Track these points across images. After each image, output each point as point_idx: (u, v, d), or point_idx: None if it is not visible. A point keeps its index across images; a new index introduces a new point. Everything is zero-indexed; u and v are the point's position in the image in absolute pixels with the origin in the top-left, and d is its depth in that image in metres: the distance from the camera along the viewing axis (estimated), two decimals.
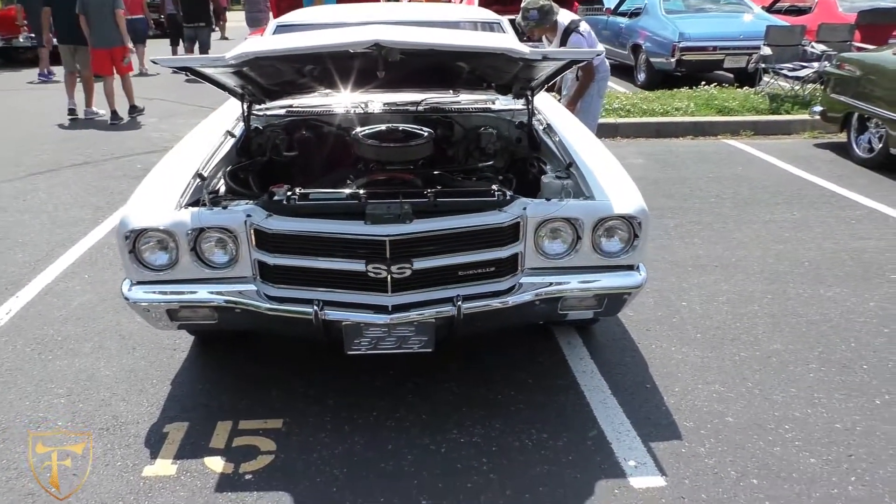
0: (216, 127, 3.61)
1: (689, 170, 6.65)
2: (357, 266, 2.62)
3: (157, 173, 3.03)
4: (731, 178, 6.33)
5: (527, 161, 3.54)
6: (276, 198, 2.78)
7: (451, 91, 3.84)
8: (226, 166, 3.27)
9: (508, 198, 2.75)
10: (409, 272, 2.62)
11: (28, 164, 6.97)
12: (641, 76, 11.12)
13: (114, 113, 8.99)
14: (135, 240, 2.65)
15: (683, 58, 10.18)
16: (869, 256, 4.51)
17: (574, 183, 2.97)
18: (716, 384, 3.11)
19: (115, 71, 8.98)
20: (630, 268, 2.82)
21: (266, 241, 2.66)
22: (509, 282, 2.76)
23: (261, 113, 3.77)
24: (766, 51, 9.13)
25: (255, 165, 3.42)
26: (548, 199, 2.76)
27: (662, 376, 3.17)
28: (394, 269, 2.60)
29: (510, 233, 2.70)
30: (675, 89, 9.36)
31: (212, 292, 2.70)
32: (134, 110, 9.35)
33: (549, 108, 3.92)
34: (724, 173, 6.51)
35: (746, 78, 10.23)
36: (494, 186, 2.86)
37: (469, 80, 3.56)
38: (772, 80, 9.22)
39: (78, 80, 9.15)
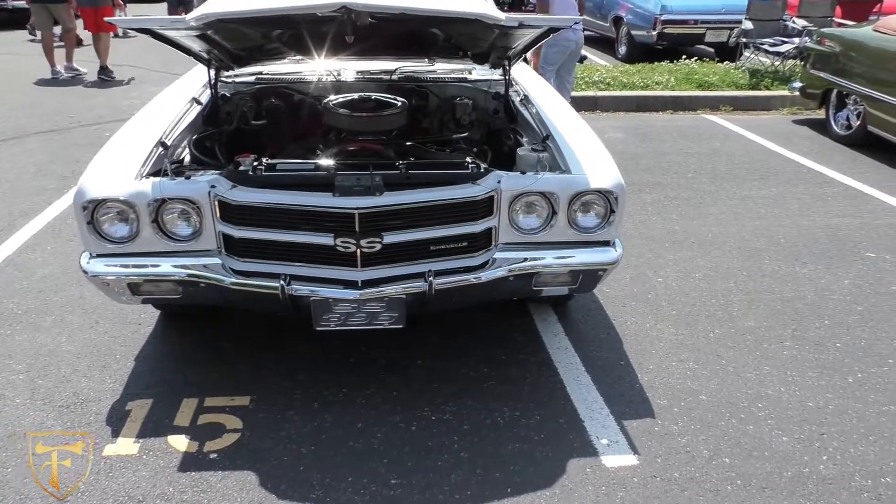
0: (182, 94, 3.47)
1: (667, 144, 6.61)
2: (325, 240, 2.54)
3: (118, 141, 2.91)
4: (708, 154, 6.30)
5: (503, 133, 3.46)
6: (241, 168, 2.68)
7: (426, 60, 3.73)
8: (191, 135, 3.15)
9: (482, 170, 2.68)
10: (379, 246, 2.54)
11: None
12: (622, 49, 11.01)
13: (104, 68, 9.08)
14: (93, 210, 2.55)
15: (665, 31, 10.08)
16: (844, 234, 4.50)
17: (550, 156, 2.90)
18: (690, 361, 3.09)
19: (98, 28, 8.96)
20: (606, 243, 2.76)
21: (231, 213, 2.56)
22: (482, 257, 2.70)
23: (229, 80, 3.64)
24: (748, 25, 9.06)
25: (222, 134, 3.30)
26: (523, 173, 2.69)
27: (637, 353, 3.14)
28: (363, 243, 2.52)
29: (484, 207, 2.63)
30: (656, 63, 9.28)
31: (175, 266, 2.61)
32: (104, 72, 9.12)
33: (527, 79, 3.83)
34: (702, 148, 6.48)
35: (727, 53, 10.19)
36: (468, 159, 2.78)
37: (444, 48, 3.45)
38: (752, 56, 9.18)
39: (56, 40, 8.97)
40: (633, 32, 10.62)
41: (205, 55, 3.19)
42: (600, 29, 11.70)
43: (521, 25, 2.65)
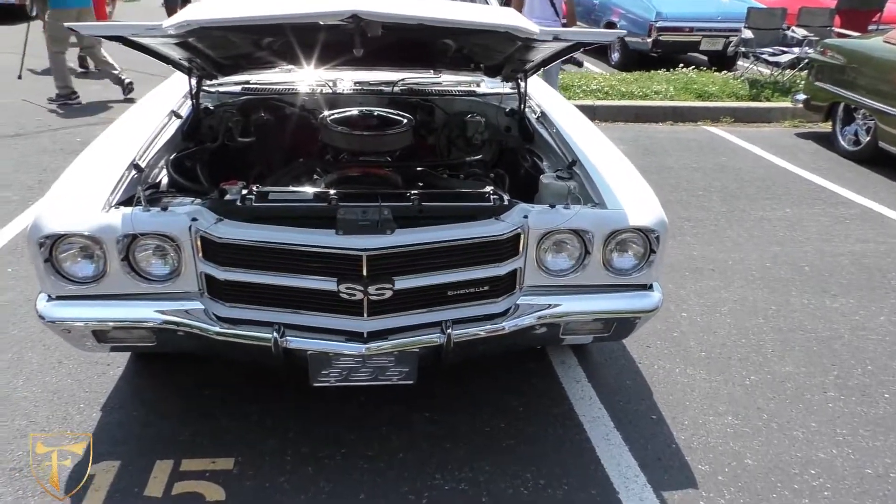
0: (159, 105, 3.08)
1: (671, 158, 6.32)
2: (327, 285, 2.18)
3: (84, 162, 2.52)
4: (715, 169, 6.02)
5: (517, 154, 3.12)
6: (228, 197, 2.31)
7: (431, 70, 3.38)
8: (169, 153, 2.78)
9: (507, 203, 2.34)
10: (389, 293, 2.18)
11: None
12: (615, 56, 10.73)
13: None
14: (51, 246, 2.16)
15: (660, 38, 9.82)
16: (870, 262, 4.23)
17: (579, 185, 2.56)
18: (728, 415, 2.77)
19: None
20: (644, 287, 2.43)
21: (215, 251, 2.19)
22: (506, 302, 2.36)
23: (212, 90, 3.27)
24: (747, 34, 8.82)
25: (205, 153, 2.92)
26: (551, 206, 2.35)
27: (669, 405, 2.82)
28: (371, 289, 2.16)
29: (509, 246, 2.29)
30: (653, 71, 9.01)
31: (148, 311, 2.23)
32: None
33: (542, 93, 3.49)
34: (708, 163, 6.20)
35: (721, 61, 9.96)
36: (489, 188, 2.44)
37: (454, 59, 3.10)
38: (750, 65, 8.94)
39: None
40: (627, 39, 10.31)
41: (185, 63, 2.82)
42: None
43: (556, 39, 2.31)
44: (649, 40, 9.82)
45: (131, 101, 8.57)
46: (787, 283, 3.91)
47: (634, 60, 10.12)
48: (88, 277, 2.22)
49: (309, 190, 2.42)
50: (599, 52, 11.21)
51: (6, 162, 5.58)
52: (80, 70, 8.82)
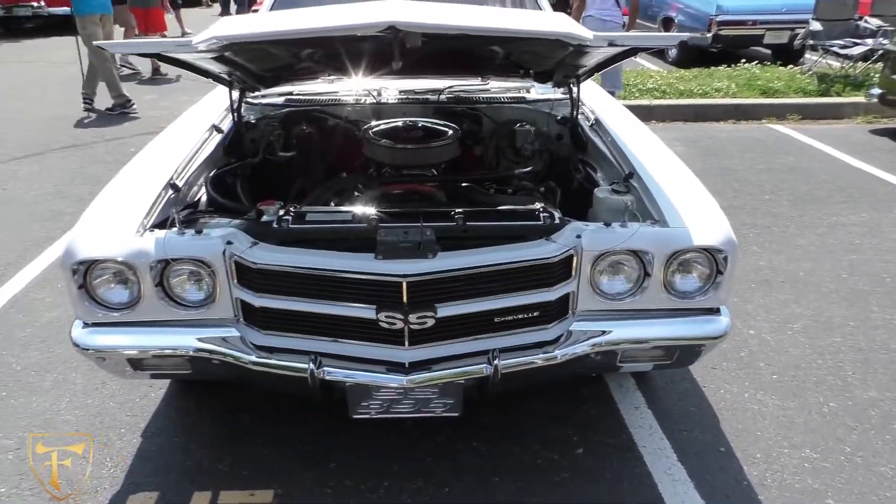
0: (201, 120, 3.02)
1: (734, 159, 6.00)
2: (365, 313, 2.05)
3: (120, 182, 2.46)
4: (783, 170, 5.68)
5: (570, 164, 2.94)
6: (264, 219, 2.21)
7: (478, 78, 3.23)
8: (209, 170, 2.70)
9: (558, 221, 2.17)
10: (431, 322, 2.04)
11: (11, 145, 6.42)
12: (673, 52, 10.36)
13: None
14: (85, 272, 2.09)
15: (720, 33, 9.44)
16: None
17: (636, 199, 2.37)
18: (805, 447, 2.53)
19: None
20: (710, 311, 2.23)
21: (250, 277, 2.09)
22: (557, 329, 2.19)
23: (255, 102, 3.19)
24: (816, 26, 8.37)
25: (245, 168, 2.84)
26: (607, 224, 2.16)
27: (738, 435, 2.60)
28: (412, 318, 2.02)
29: (561, 269, 2.12)
30: (713, 67, 8.65)
31: (182, 338, 2.15)
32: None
33: (596, 98, 3.29)
34: (775, 164, 5.86)
35: (786, 55, 9.50)
36: (539, 205, 2.27)
37: (502, 65, 2.94)
38: (819, 59, 8.49)
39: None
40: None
41: (225, 77, 2.74)
42: (648, 31, 11.05)
43: (611, 45, 2.13)
44: (709, 35, 9.43)
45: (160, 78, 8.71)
46: (866, 297, 3.61)
47: (693, 57, 9.75)
48: (123, 304, 2.14)
49: (348, 209, 2.30)
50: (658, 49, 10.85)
51: (63, 174, 5.67)
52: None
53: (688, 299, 2.20)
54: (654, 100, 7.50)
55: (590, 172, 2.77)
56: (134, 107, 7.61)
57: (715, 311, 2.23)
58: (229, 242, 2.09)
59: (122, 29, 9.39)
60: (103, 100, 7.67)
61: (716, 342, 2.23)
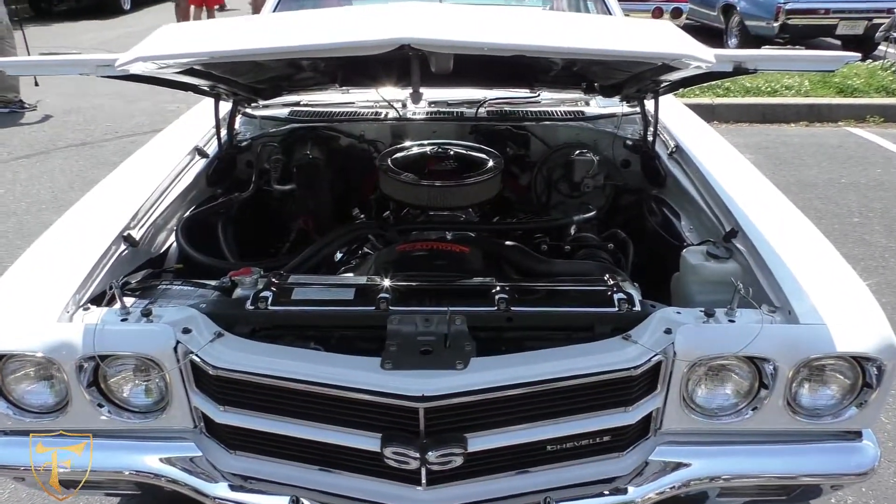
0: (180, 140, 2.44)
1: (811, 171, 5.27)
2: (366, 443, 1.46)
3: (55, 235, 1.87)
4: (871, 186, 4.94)
5: (641, 205, 2.30)
6: (237, 294, 1.64)
7: (527, 90, 2.60)
8: (183, 209, 2.13)
9: (638, 307, 1.56)
10: (459, 461, 1.44)
11: (16, 143, 5.97)
12: (733, 41, 9.53)
13: None
14: None
15: (788, 22, 8.59)
16: None
17: (743, 268, 1.74)
18: None
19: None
20: (848, 435, 1.60)
21: (211, 384, 1.51)
22: (634, 457, 1.58)
23: (254, 114, 2.62)
24: None
25: (231, 205, 2.25)
26: (708, 315, 1.53)
27: None
28: (432, 456, 1.42)
29: (644, 381, 1.50)
30: None
31: (123, 456, 1.59)
32: None
33: (675, 117, 2.62)
34: (860, 177, 5.11)
35: (859, 47, 8.61)
36: (609, 278, 1.66)
37: (559, 76, 2.31)
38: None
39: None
40: (748, 23, 9.14)
41: (207, 89, 2.17)
42: (705, 18, 10.23)
43: (738, 71, 1.47)
44: (776, 24, 8.61)
45: None
46: None
47: (756, 48, 8.91)
48: (48, 407, 1.59)
49: (351, 281, 1.72)
50: (710, 36, 10.01)
51: (63, 176, 5.20)
52: None
53: (816, 419, 1.57)
54: (716, 98, 6.76)
55: (670, 218, 2.13)
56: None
57: (856, 436, 1.60)
58: (186, 330, 1.52)
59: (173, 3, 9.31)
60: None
61: (856, 480, 1.60)
